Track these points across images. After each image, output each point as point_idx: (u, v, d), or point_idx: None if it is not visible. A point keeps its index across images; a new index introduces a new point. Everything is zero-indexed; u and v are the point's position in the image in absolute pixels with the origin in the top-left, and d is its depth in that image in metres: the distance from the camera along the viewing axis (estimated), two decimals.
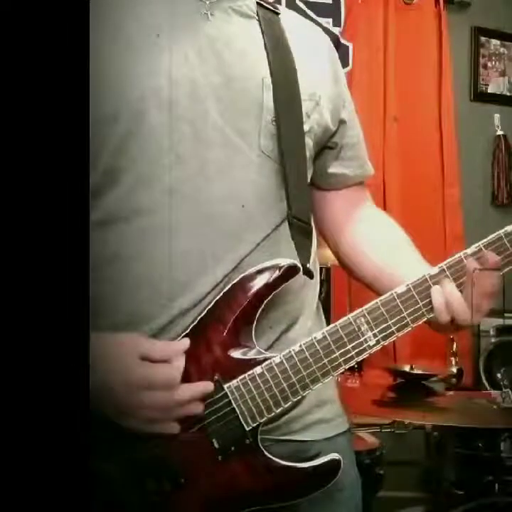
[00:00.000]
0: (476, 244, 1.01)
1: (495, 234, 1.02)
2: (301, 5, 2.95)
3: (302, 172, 1.06)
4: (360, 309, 0.98)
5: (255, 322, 0.97)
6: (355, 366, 2.29)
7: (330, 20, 3.02)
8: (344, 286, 2.78)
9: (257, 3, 1.08)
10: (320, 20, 2.95)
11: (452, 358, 2.37)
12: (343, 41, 3.02)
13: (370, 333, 0.97)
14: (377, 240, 1.18)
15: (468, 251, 1.01)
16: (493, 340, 2.92)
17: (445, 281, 1.00)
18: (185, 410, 0.93)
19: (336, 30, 3.02)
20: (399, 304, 0.98)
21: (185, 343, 0.95)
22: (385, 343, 0.98)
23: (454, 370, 2.35)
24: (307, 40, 1.12)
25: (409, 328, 0.99)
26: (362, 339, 0.97)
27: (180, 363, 0.93)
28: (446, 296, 0.99)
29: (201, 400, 0.94)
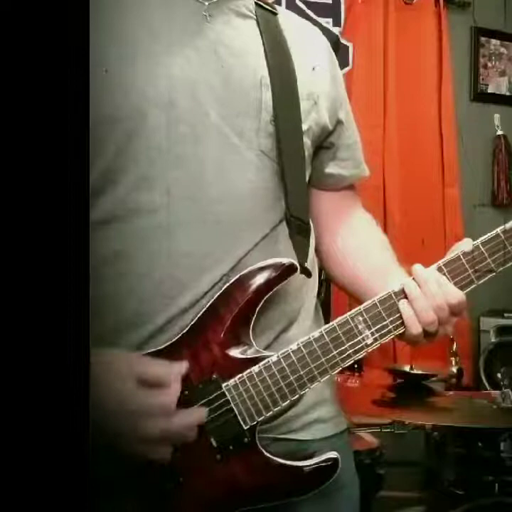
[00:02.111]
0: (474, 242, 1.01)
1: (493, 232, 1.02)
2: (301, 5, 2.95)
3: (300, 171, 1.06)
4: (357, 308, 0.99)
5: (253, 321, 0.97)
6: (356, 366, 2.30)
7: (330, 20, 3.02)
8: None
9: (256, 3, 1.08)
10: (320, 20, 2.95)
11: (452, 358, 2.37)
12: (343, 41, 3.02)
13: (367, 332, 0.98)
14: (354, 246, 1.18)
15: (466, 249, 1.01)
16: (493, 340, 2.92)
17: (411, 287, 0.99)
18: (181, 437, 0.92)
19: (336, 30, 3.02)
20: (396, 302, 0.99)
21: (183, 365, 0.94)
22: (383, 342, 0.99)
23: (454, 370, 2.35)
24: (305, 40, 1.13)
25: None
26: (359, 338, 0.98)
27: (176, 387, 0.92)
28: (414, 307, 0.99)
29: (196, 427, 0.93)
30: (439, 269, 1.01)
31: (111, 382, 0.90)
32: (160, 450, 0.92)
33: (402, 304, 0.99)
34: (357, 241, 1.18)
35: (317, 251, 1.17)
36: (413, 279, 1.01)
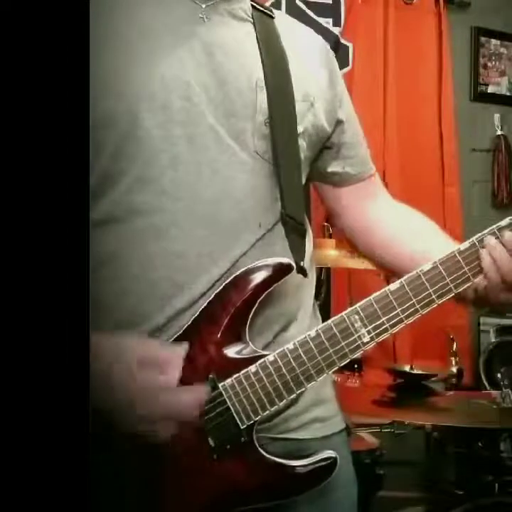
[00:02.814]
0: (470, 240, 1.02)
1: (488, 229, 1.03)
2: (301, 5, 2.95)
3: (296, 173, 1.06)
4: (353, 306, 0.99)
5: (250, 321, 0.97)
6: (356, 366, 2.30)
7: (330, 20, 3.01)
8: (344, 286, 2.78)
9: (252, 6, 1.09)
10: (320, 20, 2.95)
11: (452, 358, 2.37)
12: (343, 41, 3.02)
13: (363, 330, 0.98)
14: (409, 229, 1.19)
15: (462, 247, 1.02)
16: (493, 340, 2.92)
17: (491, 240, 1.01)
18: (182, 415, 0.92)
19: (336, 30, 3.01)
20: (392, 300, 0.99)
21: (185, 347, 0.94)
22: (379, 340, 0.99)
23: (454, 370, 2.35)
24: (301, 43, 1.13)
25: (403, 324, 1.00)
26: (356, 336, 0.98)
27: (178, 367, 0.93)
28: (493, 254, 1.00)
29: (198, 405, 0.93)
30: (435, 268, 1.01)
31: (112, 361, 0.90)
32: (161, 430, 0.91)
33: (482, 253, 1.00)
34: (406, 225, 1.20)
35: (355, 242, 1.22)
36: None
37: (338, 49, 2.93)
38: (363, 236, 1.21)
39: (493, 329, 2.94)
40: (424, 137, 3.14)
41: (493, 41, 3.35)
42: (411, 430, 2.13)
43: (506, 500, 1.95)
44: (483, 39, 3.33)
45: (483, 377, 2.78)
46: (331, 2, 3.02)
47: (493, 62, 3.36)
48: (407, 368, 2.28)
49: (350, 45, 3.03)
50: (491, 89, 3.37)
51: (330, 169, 1.17)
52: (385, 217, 1.21)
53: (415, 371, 2.26)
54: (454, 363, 2.36)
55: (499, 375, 2.59)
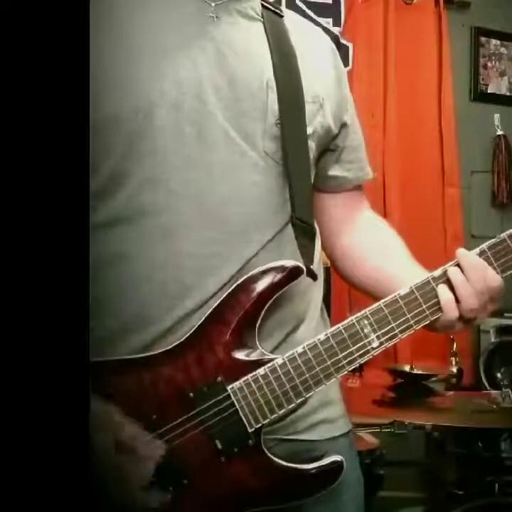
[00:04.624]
0: (480, 247, 1.01)
1: (499, 236, 1.02)
2: (301, 5, 2.95)
3: (305, 174, 1.06)
4: (363, 311, 0.98)
5: (259, 323, 0.97)
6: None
7: (330, 20, 3.01)
8: (344, 286, 2.77)
9: (262, 5, 1.08)
10: (320, 20, 2.95)
11: (452, 358, 2.37)
12: (343, 41, 3.02)
13: (373, 336, 0.97)
14: (373, 244, 1.18)
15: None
16: (493, 340, 2.91)
17: (455, 272, 0.99)
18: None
19: (336, 30, 3.01)
20: (402, 306, 0.98)
21: (162, 447, 0.94)
22: (388, 345, 0.98)
23: (454, 370, 2.35)
24: (311, 43, 1.13)
25: (413, 330, 0.99)
26: (365, 341, 0.97)
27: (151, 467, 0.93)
28: (459, 293, 0.98)
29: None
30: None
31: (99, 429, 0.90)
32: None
33: (442, 288, 0.99)
34: (375, 240, 1.18)
35: (331, 255, 1.19)
36: (457, 264, 1.00)
37: (338, 49, 2.92)
38: (336, 246, 1.19)
39: (493, 329, 2.94)
40: (424, 137, 3.14)
41: (493, 41, 3.35)
42: (411, 430, 2.13)
43: (506, 501, 1.95)
44: (483, 39, 3.33)
45: (483, 377, 2.78)
46: (331, 2, 3.02)
47: (493, 62, 3.36)
48: (407, 368, 2.28)
49: (350, 45, 3.03)
50: (491, 89, 3.36)
51: (330, 173, 1.16)
52: (366, 228, 1.19)
53: (415, 371, 2.26)
54: (454, 363, 2.36)
55: (499, 375, 2.59)
